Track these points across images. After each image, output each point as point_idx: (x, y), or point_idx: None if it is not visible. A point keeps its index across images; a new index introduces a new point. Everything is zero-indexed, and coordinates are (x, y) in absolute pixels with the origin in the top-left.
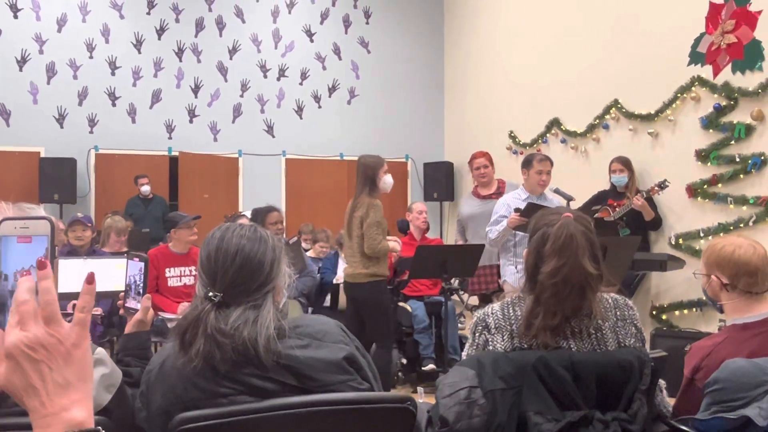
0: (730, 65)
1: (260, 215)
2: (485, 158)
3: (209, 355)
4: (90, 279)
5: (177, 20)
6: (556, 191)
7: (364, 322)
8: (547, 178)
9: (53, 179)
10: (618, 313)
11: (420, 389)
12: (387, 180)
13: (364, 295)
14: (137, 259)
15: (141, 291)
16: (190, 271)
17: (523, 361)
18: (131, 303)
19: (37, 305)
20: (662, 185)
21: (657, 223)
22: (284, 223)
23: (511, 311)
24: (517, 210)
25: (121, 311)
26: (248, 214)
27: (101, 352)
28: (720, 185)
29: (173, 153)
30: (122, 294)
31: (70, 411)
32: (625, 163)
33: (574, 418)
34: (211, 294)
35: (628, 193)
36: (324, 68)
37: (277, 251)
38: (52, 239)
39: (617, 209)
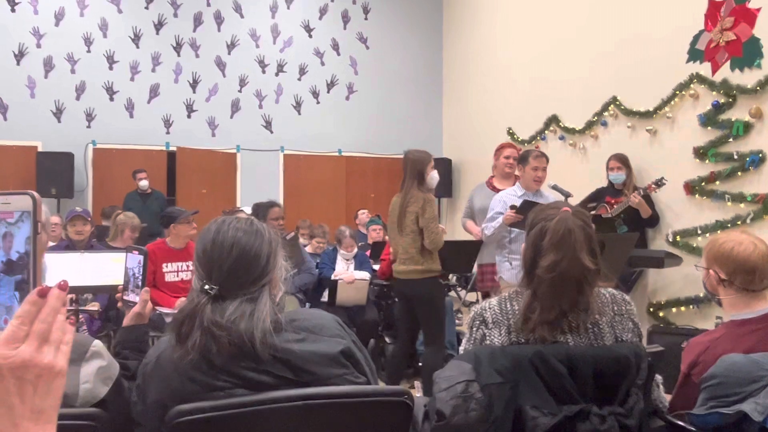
0: (728, 63)
1: (261, 210)
2: (515, 149)
3: (205, 348)
4: (72, 323)
5: (175, 15)
6: (554, 187)
7: (416, 320)
8: (543, 174)
9: (51, 173)
10: (615, 308)
11: (417, 383)
12: (434, 176)
13: (419, 292)
14: (136, 252)
15: (140, 284)
16: (188, 266)
17: (520, 356)
18: (130, 296)
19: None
20: (659, 183)
21: (654, 220)
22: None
23: (508, 306)
24: (512, 207)
25: (120, 304)
26: (246, 209)
27: (99, 344)
28: (718, 182)
29: (171, 148)
30: (121, 287)
31: None
32: (622, 161)
33: (571, 412)
34: (207, 287)
35: (626, 190)
36: (322, 64)
37: (274, 244)
38: (35, 215)
39: (615, 206)
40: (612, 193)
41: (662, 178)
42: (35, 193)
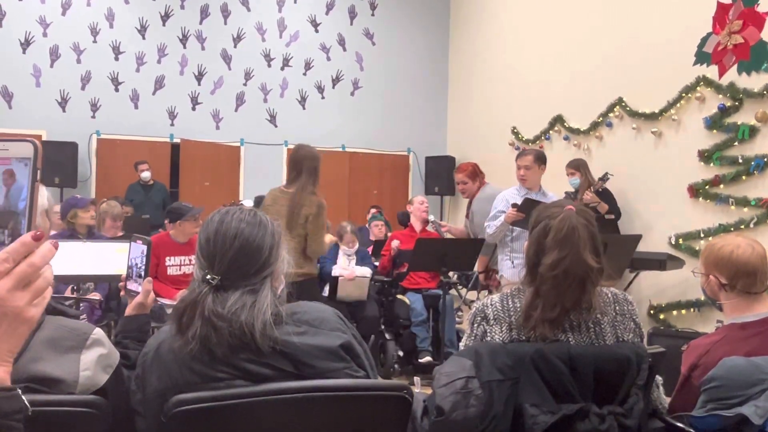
0: (736, 66)
1: None
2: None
3: (206, 339)
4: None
5: (182, 6)
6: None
7: None
8: (526, 173)
9: (54, 163)
10: (617, 307)
11: (416, 379)
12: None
13: (299, 296)
14: (140, 242)
15: (142, 273)
16: (190, 260)
17: (520, 353)
18: (132, 285)
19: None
20: (604, 178)
21: (616, 213)
22: None
23: (510, 303)
24: (514, 205)
25: (122, 293)
26: (248, 202)
27: (99, 332)
28: (722, 186)
29: (175, 140)
30: (124, 276)
31: None
32: (574, 166)
33: (570, 410)
34: (209, 277)
35: (579, 193)
36: (328, 59)
37: (276, 237)
38: (35, 162)
39: None
40: (574, 197)
41: (606, 173)
42: (37, 141)
